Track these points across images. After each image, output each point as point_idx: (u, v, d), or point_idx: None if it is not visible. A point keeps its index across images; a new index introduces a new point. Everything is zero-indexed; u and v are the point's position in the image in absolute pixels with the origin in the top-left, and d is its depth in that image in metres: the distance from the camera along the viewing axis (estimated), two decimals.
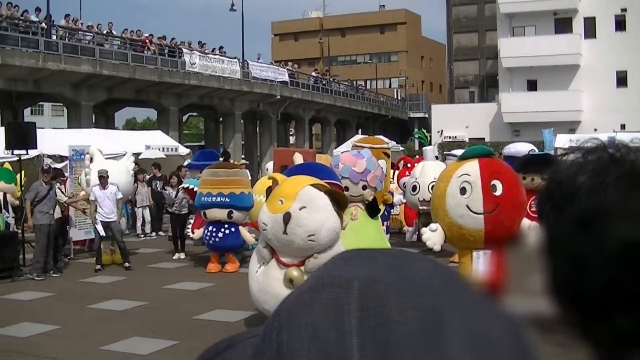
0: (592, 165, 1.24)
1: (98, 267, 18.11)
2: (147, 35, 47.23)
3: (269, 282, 10.67)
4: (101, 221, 18.05)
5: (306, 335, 0.69)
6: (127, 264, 18.31)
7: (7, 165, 20.76)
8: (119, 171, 19.32)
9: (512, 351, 0.72)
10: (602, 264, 1.15)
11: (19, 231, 18.15)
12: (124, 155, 21.85)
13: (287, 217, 10.18)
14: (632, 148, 1.28)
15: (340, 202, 10.67)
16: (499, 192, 10.72)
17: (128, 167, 20.49)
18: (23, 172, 19.70)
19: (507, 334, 0.74)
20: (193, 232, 18.46)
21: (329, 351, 0.67)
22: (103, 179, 18.17)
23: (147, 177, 25.11)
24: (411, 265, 0.77)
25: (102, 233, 17.98)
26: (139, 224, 24.76)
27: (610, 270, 1.14)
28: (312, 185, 10.51)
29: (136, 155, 28.97)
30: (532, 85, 64.12)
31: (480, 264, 10.80)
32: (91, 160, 19.35)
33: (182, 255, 20.03)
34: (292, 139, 75.26)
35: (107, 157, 21.73)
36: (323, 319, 0.69)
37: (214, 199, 17.27)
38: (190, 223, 19.16)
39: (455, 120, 65.96)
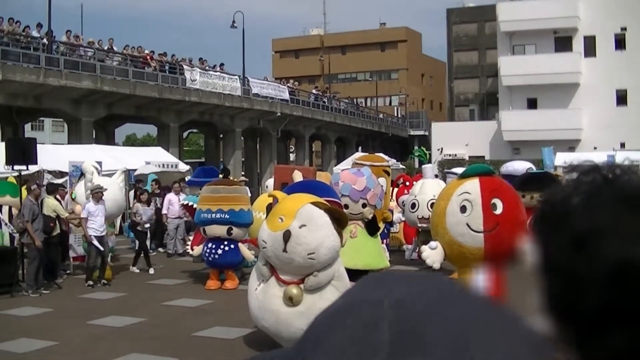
0: (585, 187, 1.25)
1: (90, 283, 18.10)
2: (148, 51, 47.30)
3: (268, 299, 10.65)
4: (95, 236, 18.08)
5: (334, 358, 0.69)
6: (104, 281, 18.35)
7: (12, 179, 20.73)
8: (112, 188, 19.26)
9: None
10: (596, 284, 1.15)
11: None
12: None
13: (287, 235, 10.18)
14: (627, 169, 1.28)
15: (340, 220, 10.67)
16: (499, 210, 10.73)
17: (119, 183, 20.43)
18: (24, 188, 19.69)
19: (527, 345, 0.74)
20: (192, 249, 18.47)
21: None
22: (98, 194, 18.24)
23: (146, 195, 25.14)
24: (437, 286, 0.78)
25: (101, 247, 18.00)
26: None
27: (604, 290, 1.15)
28: (312, 203, 10.51)
29: (133, 171, 29.06)
30: (532, 104, 64.26)
31: (479, 282, 10.79)
32: (92, 174, 19.40)
33: (152, 271, 20.32)
34: (292, 156, 75.27)
35: (106, 173, 21.82)
36: (351, 342, 0.69)
37: (213, 215, 17.26)
38: (189, 240, 19.22)
39: (455, 138, 66.06)
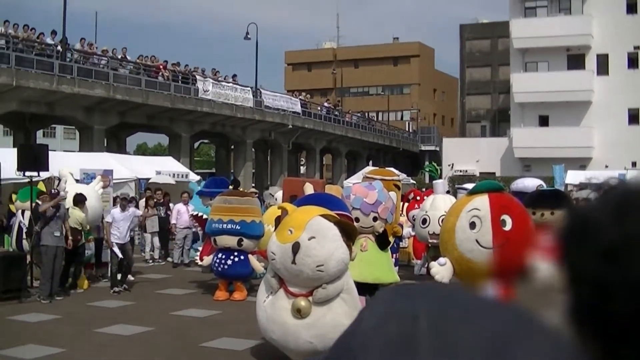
0: (613, 200, 1.26)
1: (115, 289, 18.36)
2: (161, 61, 47.45)
3: (276, 311, 10.65)
4: (117, 243, 18.34)
5: None
6: (116, 289, 18.45)
7: (42, 186, 20.65)
8: (88, 195, 19.19)
9: None
10: (630, 293, 1.16)
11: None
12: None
13: (296, 247, 10.18)
14: None
15: (349, 233, 10.67)
16: (508, 227, 10.70)
17: (97, 191, 20.29)
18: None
19: (564, 353, 0.76)
20: (202, 260, 18.50)
21: None
22: (125, 201, 18.94)
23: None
24: (464, 296, 0.79)
25: (119, 255, 18.14)
26: (147, 249, 24.78)
27: (638, 298, 1.16)
28: (322, 215, 10.52)
29: (146, 180, 29.09)
30: (543, 121, 64.19)
31: None
32: (65, 182, 19.44)
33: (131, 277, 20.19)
34: (302, 169, 75.36)
35: (117, 182, 21.81)
36: (395, 354, 0.69)
37: (224, 225, 17.28)
38: (198, 250, 19.27)
39: (466, 154, 66.04)
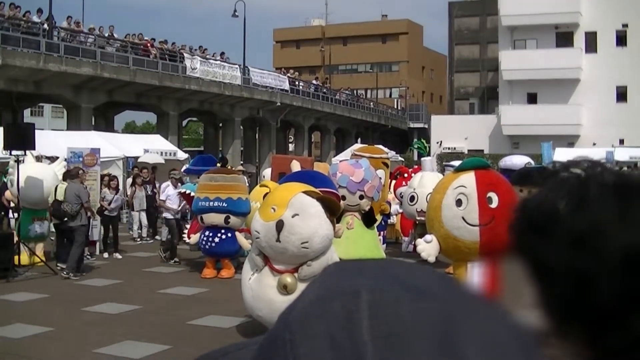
0: (567, 186, 1.25)
1: (174, 260, 19.93)
2: (148, 39, 47.26)
3: (262, 289, 10.67)
4: (169, 218, 20.71)
5: (324, 346, 0.69)
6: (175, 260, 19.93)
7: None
8: (47, 174, 19.06)
9: (523, 356, 0.74)
10: (607, 278, 1.16)
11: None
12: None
13: (280, 225, 10.19)
14: (595, 162, 1.29)
15: (332, 209, 10.69)
16: (494, 204, 10.70)
17: (57, 172, 20.05)
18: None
19: (515, 338, 0.75)
20: (189, 237, 18.50)
21: None
22: (174, 179, 21.05)
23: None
24: (412, 273, 0.79)
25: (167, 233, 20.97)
26: (135, 227, 24.70)
27: (617, 282, 1.15)
28: (304, 192, 10.52)
29: (135, 158, 29.04)
30: (532, 99, 64.20)
31: (474, 276, 10.79)
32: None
33: (119, 255, 21.06)
34: (291, 147, 75.24)
35: (105, 160, 21.73)
36: (337, 330, 0.69)
37: (211, 203, 17.26)
38: (186, 228, 19.27)
39: (455, 131, 66.03)
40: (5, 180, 20.10)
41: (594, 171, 1.27)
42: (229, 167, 21.88)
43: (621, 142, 53.15)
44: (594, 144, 50.69)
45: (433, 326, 0.68)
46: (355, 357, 0.67)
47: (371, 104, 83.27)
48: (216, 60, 52.08)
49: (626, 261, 1.15)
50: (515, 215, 1.33)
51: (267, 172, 21.76)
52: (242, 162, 51.36)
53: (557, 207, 1.24)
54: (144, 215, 24.58)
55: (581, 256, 1.18)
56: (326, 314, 0.71)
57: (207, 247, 17.60)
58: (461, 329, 0.69)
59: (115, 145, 29.63)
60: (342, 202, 13.41)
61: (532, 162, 21.96)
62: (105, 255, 20.85)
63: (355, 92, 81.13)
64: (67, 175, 18.38)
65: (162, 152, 31.38)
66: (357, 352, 0.67)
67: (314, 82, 70.34)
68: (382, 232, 19.04)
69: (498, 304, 0.78)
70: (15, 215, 20.03)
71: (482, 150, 59.99)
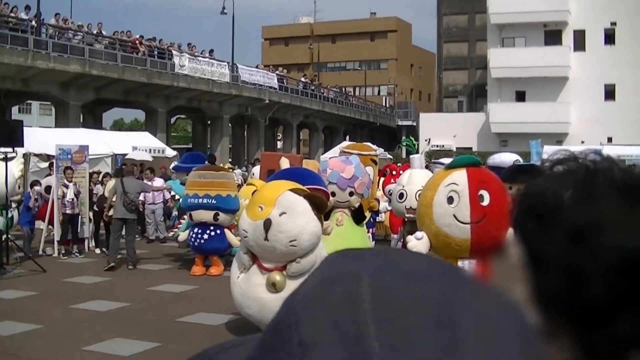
0: (573, 178, 1.24)
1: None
2: (137, 36, 47.18)
3: (251, 287, 10.65)
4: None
5: (327, 327, 0.70)
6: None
7: None
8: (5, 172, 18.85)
9: (521, 339, 0.73)
10: (601, 275, 1.14)
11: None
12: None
13: (267, 224, 10.17)
14: (606, 157, 1.28)
15: (320, 206, 10.68)
16: (486, 202, 10.70)
17: (16, 168, 19.82)
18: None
19: (512, 319, 0.74)
20: (178, 227, 18.53)
21: (349, 342, 0.69)
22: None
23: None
24: (410, 259, 0.78)
25: None
26: None
27: (610, 281, 1.14)
28: (291, 190, 10.50)
29: (123, 156, 28.99)
30: (520, 96, 64.32)
31: None
32: None
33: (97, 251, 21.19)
34: (279, 144, 75.30)
35: (93, 158, 21.62)
36: (339, 311, 0.70)
37: (200, 200, 17.24)
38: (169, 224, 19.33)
39: (443, 129, 66.08)
40: None
41: (602, 165, 1.25)
42: (221, 165, 21.85)
43: (609, 140, 53.27)
44: (582, 142, 50.78)
45: (431, 307, 0.70)
46: (356, 337, 0.68)
47: (360, 101, 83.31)
48: (205, 57, 52.04)
49: (622, 263, 1.14)
50: (518, 200, 1.32)
51: (256, 170, 21.76)
52: (230, 159, 51.34)
53: (561, 197, 1.23)
54: None
55: (578, 251, 1.17)
56: (328, 297, 0.72)
57: (196, 244, 17.58)
58: (459, 310, 0.71)
59: (103, 142, 29.60)
60: (331, 198, 13.41)
61: (521, 159, 22.02)
62: (97, 251, 20.79)
63: (343, 89, 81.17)
64: (122, 172, 19.37)
65: (150, 150, 31.31)
66: (358, 333, 0.68)
67: (303, 79, 70.37)
68: (371, 229, 19.02)
69: (495, 287, 0.78)
70: None
71: (471, 148, 60.07)
